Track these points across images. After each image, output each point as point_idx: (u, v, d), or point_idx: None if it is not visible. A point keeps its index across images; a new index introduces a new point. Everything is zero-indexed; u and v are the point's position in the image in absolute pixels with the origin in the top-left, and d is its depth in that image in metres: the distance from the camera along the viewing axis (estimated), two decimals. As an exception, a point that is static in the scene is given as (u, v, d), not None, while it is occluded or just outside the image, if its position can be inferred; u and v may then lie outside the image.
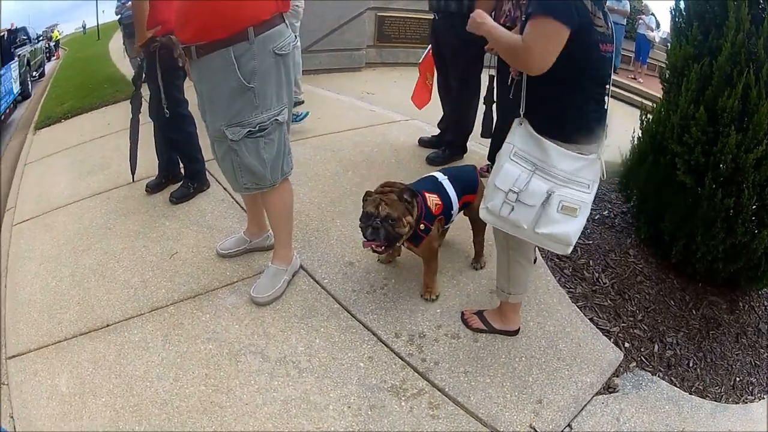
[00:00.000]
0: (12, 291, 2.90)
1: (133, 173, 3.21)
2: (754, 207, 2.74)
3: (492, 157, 3.66)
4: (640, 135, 3.25)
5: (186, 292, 2.64)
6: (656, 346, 2.78)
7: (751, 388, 2.87)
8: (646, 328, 2.84)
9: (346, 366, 2.33)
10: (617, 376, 2.65)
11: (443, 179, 2.67)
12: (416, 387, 2.28)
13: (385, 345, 2.45)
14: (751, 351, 3.04)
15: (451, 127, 3.89)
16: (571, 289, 2.95)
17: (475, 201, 2.75)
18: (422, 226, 2.51)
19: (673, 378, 2.69)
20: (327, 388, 2.22)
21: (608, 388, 2.61)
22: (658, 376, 2.68)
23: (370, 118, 5.15)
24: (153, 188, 3.27)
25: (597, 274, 3.03)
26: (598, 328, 2.79)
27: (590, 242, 3.19)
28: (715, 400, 2.68)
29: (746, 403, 2.77)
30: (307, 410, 2.12)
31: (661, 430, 2.43)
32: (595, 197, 3.51)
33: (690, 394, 2.64)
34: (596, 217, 3.35)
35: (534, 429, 2.40)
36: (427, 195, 2.57)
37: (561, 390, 2.51)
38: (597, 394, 2.55)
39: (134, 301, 2.61)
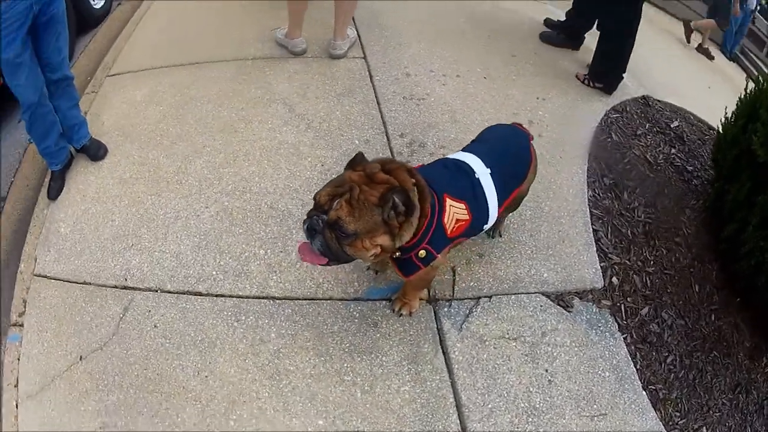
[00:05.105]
0: (143, 31, 3.44)
1: None
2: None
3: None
4: (743, 96, 2.53)
5: (267, 53, 3.02)
6: (646, 310, 2.15)
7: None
8: (649, 284, 2.20)
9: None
10: (580, 299, 2.09)
11: (483, 174, 1.64)
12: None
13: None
14: (738, 413, 2.15)
15: (577, 14, 3.43)
16: (596, 197, 2.38)
17: (524, 185, 1.89)
18: (422, 252, 1.54)
19: (639, 355, 2.06)
20: (320, 145, 2.50)
21: (560, 302, 2.07)
22: (625, 339, 2.07)
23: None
24: None
25: (634, 202, 2.40)
26: (597, 243, 2.22)
27: (651, 175, 2.53)
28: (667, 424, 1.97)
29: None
30: (291, 155, 2.45)
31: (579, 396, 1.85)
32: (689, 152, 3.00)
33: (643, 389, 1.99)
34: (676, 163, 2.66)
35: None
36: (449, 202, 1.55)
37: (508, 262, 2.14)
38: (543, 293, 2.06)
39: (225, 48, 3.05)
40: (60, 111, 2.19)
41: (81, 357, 1.81)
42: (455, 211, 1.52)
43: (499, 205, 1.69)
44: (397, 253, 1.50)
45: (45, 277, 2.03)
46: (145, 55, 3.07)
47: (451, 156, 1.71)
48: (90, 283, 1.99)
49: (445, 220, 1.50)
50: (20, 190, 2.45)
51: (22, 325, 1.91)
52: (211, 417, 1.68)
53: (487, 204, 1.63)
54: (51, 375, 1.78)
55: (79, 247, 2.10)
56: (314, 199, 1.43)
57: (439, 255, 1.55)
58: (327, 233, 1.39)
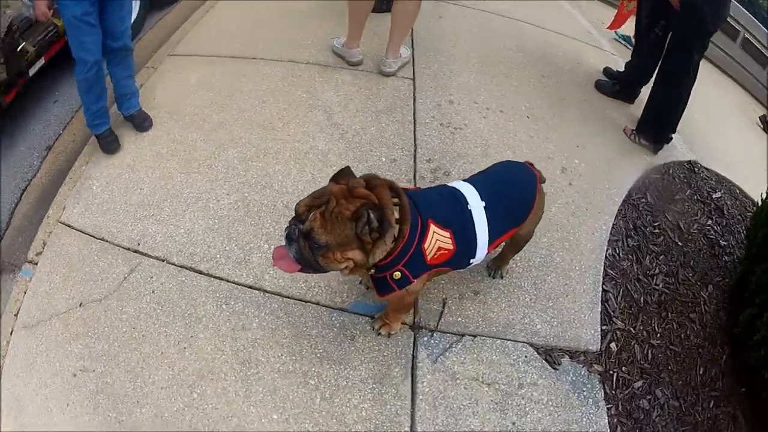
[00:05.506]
0: (211, 19, 3.67)
1: None
2: None
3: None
4: None
5: (321, 60, 3.17)
6: (639, 384, 2.02)
7: None
8: (650, 357, 2.07)
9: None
10: (571, 358, 2.01)
11: (477, 207, 1.60)
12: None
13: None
14: None
15: (635, 67, 3.32)
16: (615, 257, 2.29)
17: (524, 227, 1.83)
18: (397, 274, 1.53)
19: (620, 430, 1.91)
20: (348, 156, 2.58)
21: (548, 357, 1.99)
22: (609, 410, 1.95)
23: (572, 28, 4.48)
24: None
25: (655, 269, 2.28)
26: (604, 305, 2.13)
27: (680, 243, 2.40)
28: None
29: None
30: (317, 161, 2.55)
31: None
32: (726, 226, 2.86)
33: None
34: (710, 235, 2.50)
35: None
36: (433, 228, 1.52)
37: (503, 305, 2.10)
38: (531, 344, 1.99)
39: (282, 49, 3.20)
40: (115, 78, 2.39)
41: (81, 304, 1.96)
42: (438, 239, 1.50)
43: (491, 242, 1.65)
44: (372, 270, 1.52)
45: (68, 226, 2.21)
46: (208, 42, 3.28)
47: (450, 184, 1.69)
48: (106, 240, 2.15)
49: (426, 245, 1.49)
50: (66, 143, 2.70)
51: (36, 264, 2.09)
52: (179, 385, 1.76)
53: (475, 238, 1.60)
54: (50, 313, 1.94)
55: (106, 206, 2.28)
56: (295, 208, 1.47)
57: (415, 280, 1.54)
58: (301, 242, 1.43)
